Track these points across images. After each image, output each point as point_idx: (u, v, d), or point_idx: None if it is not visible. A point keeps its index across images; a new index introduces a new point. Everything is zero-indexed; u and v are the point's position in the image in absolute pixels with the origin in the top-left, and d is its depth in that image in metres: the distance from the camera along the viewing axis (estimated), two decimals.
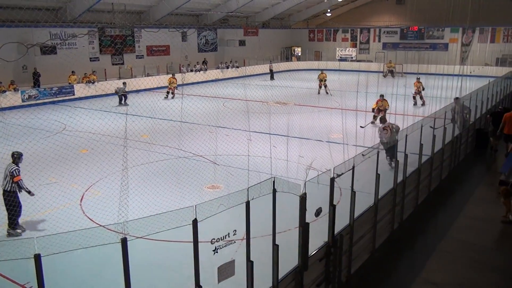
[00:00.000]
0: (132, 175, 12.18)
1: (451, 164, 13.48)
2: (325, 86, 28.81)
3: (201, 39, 39.87)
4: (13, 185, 8.85)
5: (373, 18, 47.96)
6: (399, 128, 12.36)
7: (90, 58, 30.82)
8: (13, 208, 8.85)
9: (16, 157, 9.14)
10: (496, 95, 19.84)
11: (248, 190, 5.21)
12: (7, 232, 8.94)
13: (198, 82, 34.64)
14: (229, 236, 5.08)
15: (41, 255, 3.95)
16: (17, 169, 8.91)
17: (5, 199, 8.87)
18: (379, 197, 8.23)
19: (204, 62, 38.40)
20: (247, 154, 13.60)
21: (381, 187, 8.17)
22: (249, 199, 5.22)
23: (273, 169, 12.01)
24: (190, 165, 13.49)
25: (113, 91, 25.01)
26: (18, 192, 8.97)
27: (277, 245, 5.58)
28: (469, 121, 15.25)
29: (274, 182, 5.51)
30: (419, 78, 25.74)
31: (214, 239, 5.00)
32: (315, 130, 17.37)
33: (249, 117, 19.52)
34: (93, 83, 28.26)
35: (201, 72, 36.33)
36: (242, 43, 42.48)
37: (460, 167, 14.03)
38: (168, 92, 27.18)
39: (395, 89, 23.34)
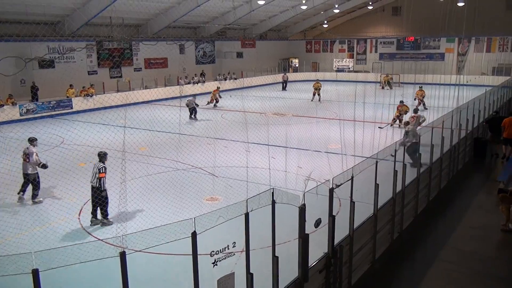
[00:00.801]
0: (131, 188, 12.13)
1: (449, 173, 13.49)
2: (319, 95, 30.60)
3: (198, 51, 40.07)
4: (97, 180, 10.07)
5: (369, 29, 48.32)
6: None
7: (88, 71, 30.93)
8: (104, 201, 10.08)
9: (102, 156, 10.37)
10: (493, 104, 19.93)
11: (247, 202, 5.19)
12: (101, 222, 10.06)
13: (196, 94, 34.65)
14: (228, 249, 5.06)
15: (39, 270, 3.92)
16: (103, 167, 10.13)
17: (94, 194, 10.08)
18: (379, 207, 8.21)
19: (202, 74, 38.54)
20: (246, 166, 13.59)
21: (380, 196, 8.16)
22: (248, 211, 5.20)
23: (272, 180, 12.00)
24: (189, 177, 13.47)
25: (184, 105, 25.15)
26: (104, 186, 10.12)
27: (277, 257, 5.56)
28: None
29: (273, 193, 5.50)
30: (421, 87, 27.13)
31: (213, 251, 4.98)
32: (313, 140, 17.38)
33: (248, 128, 19.54)
34: (91, 96, 28.31)
35: (199, 84, 36.44)
36: (239, 55, 42.69)
37: (458, 176, 14.04)
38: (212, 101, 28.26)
39: (393, 99, 23.44)
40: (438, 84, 30.33)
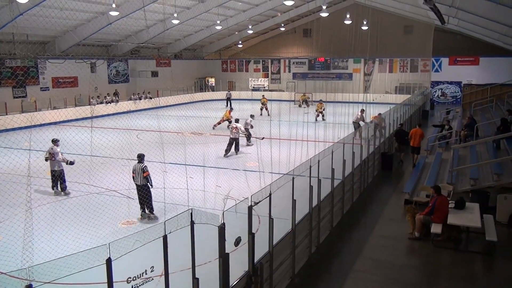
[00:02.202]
0: (38, 216, 11.29)
1: (361, 186, 14.22)
2: (266, 109, 32.97)
3: (111, 70, 38.83)
4: (144, 179, 11.27)
5: (282, 49, 50.09)
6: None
7: None
8: (150, 198, 11.37)
9: (142, 158, 11.61)
10: (396, 120, 21.44)
11: (165, 224, 5.06)
12: (148, 216, 11.27)
13: (109, 114, 33.48)
14: (146, 273, 4.88)
15: None
16: (146, 166, 11.42)
17: (141, 192, 11.30)
18: (296, 222, 8.40)
19: (115, 94, 37.32)
20: (163, 187, 13.27)
21: (297, 212, 8.36)
22: (166, 233, 5.06)
23: (190, 201, 11.80)
24: (102, 201, 12.83)
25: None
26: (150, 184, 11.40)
27: (197, 279, 5.46)
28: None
29: (191, 213, 5.42)
30: (321, 100, 30.91)
31: (130, 277, 4.77)
32: (231, 159, 17.48)
33: (164, 148, 19.16)
34: None
35: (112, 104, 35.22)
36: (154, 74, 41.99)
37: (369, 189, 14.85)
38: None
39: (307, 117, 24.34)
40: (347, 102, 32.08)
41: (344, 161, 11.82)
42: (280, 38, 50.02)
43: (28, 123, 25.16)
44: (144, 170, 11.32)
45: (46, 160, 13.62)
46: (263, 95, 33.96)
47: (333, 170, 10.73)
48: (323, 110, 29.73)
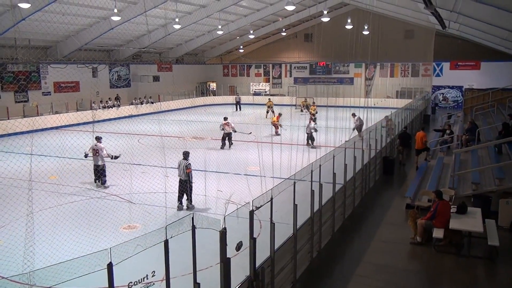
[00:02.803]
0: (39, 220, 11.28)
1: (362, 191, 14.20)
2: (272, 112, 32.79)
3: (112, 74, 38.91)
4: (186, 175, 12.37)
5: (283, 54, 50.17)
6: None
7: None
8: (190, 191, 12.56)
9: (187, 155, 12.65)
10: (398, 124, 21.45)
11: (166, 228, 5.05)
12: (187, 206, 12.57)
13: (110, 119, 33.53)
14: (147, 278, 4.87)
15: None
16: (189, 163, 12.50)
17: (182, 186, 12.53)
18: (298, 227, 8.38)
19: (117, 98, 37.39)
20: (164, 191, 13.27)
21: (299, 216, 8.34)
22: (167, 238, 5.06)
23: None
24: (104, 205, 12.84)
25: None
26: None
27: (199, 283, 5.44)
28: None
29: (193, 218, 5.41)
30: (314, 103, 33.44)
31: (131, 282, 4.76)
32: (232, 163, 17.48)
33: (166, 153, 19.14)
34: None
35: (114, 108, 35.27)
36: (156, 78, 42.04)
37: (371, 193, 14.82)
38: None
39: (307, 121, 24.33)
40: (348, 106, 32.06)
41: (345, 165, 11.81)
42: (281, 42, 50.12)
43: (30, 127, 25.23)
44: (187, 167, 12.28)
45: (86, 156, 14.58)
46: (269, 98, 34.12)
47: (334, 174, 10.72)
48: (316, 112, 31.15)
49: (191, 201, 12.70)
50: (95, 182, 14.90)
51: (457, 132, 21.61)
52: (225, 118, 21.59)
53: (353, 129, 23.56)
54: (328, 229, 10.67)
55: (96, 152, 14.33)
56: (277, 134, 25.85)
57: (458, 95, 41.86)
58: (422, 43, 38.65)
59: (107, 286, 4.54)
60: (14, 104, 29.85)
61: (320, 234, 9.95)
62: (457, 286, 8.62)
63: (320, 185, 9.82)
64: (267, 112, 33.70)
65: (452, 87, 42.20)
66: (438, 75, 42.75)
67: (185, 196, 12.67)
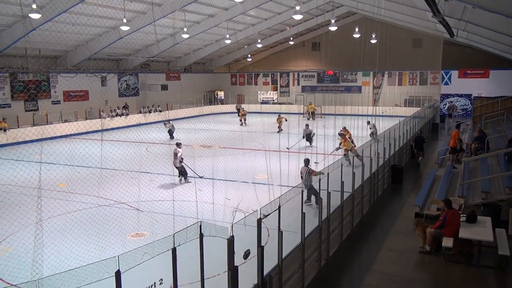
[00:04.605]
0: (48, 228, 11.36)
1: (371, 199, 14.12)
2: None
3: (121, 83, 39.22)
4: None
5: (291, 62, 50.30)
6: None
7: (0, 104, 28.98)
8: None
9: (308, 162, 13.48)
10: (406, 133, 21.36)
11: (174, 236, 5.06)
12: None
13: (119, 127, 33.75)
14: (155, 286, 4.87)
15: None
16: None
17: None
18: (306, 235, 8.35)
19: (125, 107, 37.65)
20: (172, 199, 13.30)
21: (307, 225, 8.31)
22: (175, 246, 5.06)
23: (199, 213, 11.84)
24: (112, 213, 12.89)
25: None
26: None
27: None
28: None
29: (200, 226, 5.42)
30: (311, 103, 36.26)
31: None
32: (240, 171, 17.48)
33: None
34: (4, 131, 26.47)
35: (123, 117, 35.50)
36: (164, 87, 42.31)
37: (379, 202, 14.73)
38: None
39: (315, 129, 24.32)
40: (356, 115, 31.98)
41: (353, 173, 11.76)
42: (289, 51, 50.27)
43: (40, 136, 25.41)
44: (310, 171, 12.80)
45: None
46: (279, 115, 32.51)
47: (342, 183, 10.68)
48: (314, 110, 33.17)
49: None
50: (179, 177, 16.66)
51: (466, 141, 21.51)
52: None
53: (370, 135, 24.86)
54: (336, 237, 10.61)
55: (175, 155, 16.40)
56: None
57: (467, 103, 41.63)
58: (430, 51, 38.58)
59: None
60: (24, 112, 30.17)
61: (328, 243, 9.90)
62: None
63: (328, 193, 9.79)
64: (279, 127, 31.24)
65: (460, 95, 42.00)
66: (446, 83, 42.57)
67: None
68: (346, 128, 23.06)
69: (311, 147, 23.68)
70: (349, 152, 17.68)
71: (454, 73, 42.16)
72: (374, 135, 24.78)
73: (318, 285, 8.82)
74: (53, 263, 8.89)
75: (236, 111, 42.06)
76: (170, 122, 29.37)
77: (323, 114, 40.60)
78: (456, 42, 35.19)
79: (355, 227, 12.04)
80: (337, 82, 47.36)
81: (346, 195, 11.05)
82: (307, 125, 25.17)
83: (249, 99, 49.75)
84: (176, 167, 16.53)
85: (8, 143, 25.66)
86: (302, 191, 8.25)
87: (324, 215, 9.59)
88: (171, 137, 28.61)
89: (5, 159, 21.53)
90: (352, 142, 21.49)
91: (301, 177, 12.94)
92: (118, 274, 4.51)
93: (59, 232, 11.27)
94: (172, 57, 43.07)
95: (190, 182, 16.23)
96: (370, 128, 25.74)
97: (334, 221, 10.30)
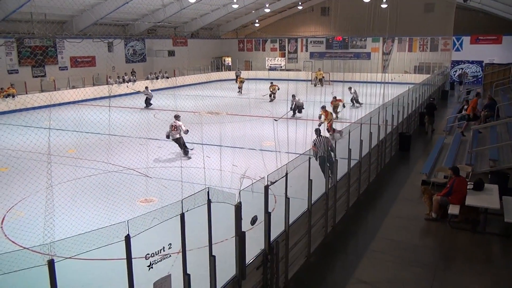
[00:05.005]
0: (58, 193, 11.54)
1: (378, 167, 14.13)
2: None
3: (128, 49, 38.91)
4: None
5: (300, 28, 49.45)
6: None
7: (8, 70, 28.95)
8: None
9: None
10: (415, 100, 21.14)
11: (182, 202, 5.11)
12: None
13: (126, 94, 33.71)
14: (164, 250, 4.96)
15: None
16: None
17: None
18: (312, 202, 8.42)
19: (133, 73, 37.48)
20: (180, 166, 13.40)
21: (314, 192, 8.37)
22: (183, 211, 5.12)
23: (207, 180, 11.93)
24: (121, 179, 13.04)
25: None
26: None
27: (214, 256, 5.53)
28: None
29: (208, 192, 5.46)
30: (319, 69, 35.95)
31: (148, 254, 4.85)
32: (247, 138, 17.50)
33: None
34: (12, 97, 26.56)
35: (130, 83, 35.38)
36: (171, 53, 41.96)
37: (386, 169, 14.75)
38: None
39: (323, 96, 24.13)
40: (365, 82, 31.61)
41: (361, 141, 11.73)
42: (298, 16, 49.33)
43: (48, 102, 25.51)
44: (327, 140, 11.75)
45: (168, 137, 15.73)
46: (271, 82, 31.33)
47: (349, 150, 10.67)
48: (323, 77, 32.99)
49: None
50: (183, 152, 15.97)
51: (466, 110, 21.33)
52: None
53: (351, 100, 26.30)
54: (343, 204, 10.70)
55: (175, 128, 15.63)
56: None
57: (478, 70, 40.95)
58: (442, 16, 37.65)
59: (125, 257, 4.64)
60: (31, 78, 30.16)
61: (335, 210, 9.98)
62: (472, 262, 8.62)
63: (336, 161, 9.81)
64: (270, 95, 30.27)
65: (472, 62, 41.27)
66: (457, 50, 41.80)
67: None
68: (337, 97, 23.03)
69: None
70: (334, 132, 17.36)
71: (466, 39, 41.32)
72: (355, 101, 26.70)
73: (325, 251, 8.96)
74: (64, 227, 9.08)
75: (235, 77, 41.59)
76: (148, 89, 28.55)
77: (331, 81, 40.20)
78: (469, 7, 34.34)
79: (362, 195, 12.11)
80: (346, 48, 46.62)
81: (353, 163, 11.06)
82: (293, 96, 24.00)
83: (256, 65, 49.26)
84: (175, 140, 15.79)
85: (17, 109, 25.79)
86: (310, 158, 8.25)
87: (331, 182, 9.63)
88: (149, 104, 27.65)
89: (14, 125, 21.69)
90: (335, 111, 21.80)
91: (315, 150, 10.77)
92: (127, 239, 4.59)
93: (69, 198, 11.45)
94: (179, 22, 42.48)
95: (191, 157, 15.72)
96: (351, 93, 26.69)
97: (341, 188, 10.35)
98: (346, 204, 10.91)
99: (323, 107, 18.78)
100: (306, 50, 48.78)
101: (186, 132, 15.73)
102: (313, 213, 8.48)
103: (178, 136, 15.75)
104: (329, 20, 46.58)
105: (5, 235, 9.43)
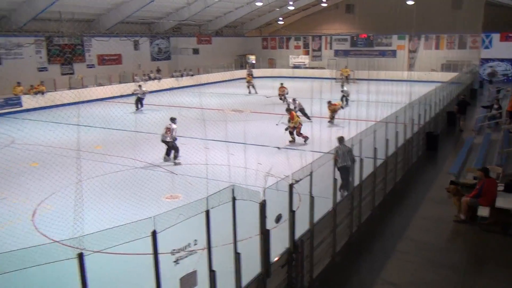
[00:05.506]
0: (87, 188, 11.77)
1: (404, 166, 13.91)
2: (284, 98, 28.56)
3: (153, 47, 39.36)
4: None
5: (324, 26, 49.07)
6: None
7: (38, 68, 29.67)
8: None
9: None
10: (443, 99, 20.73)
11: (207, 199, 5.14)
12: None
13: (152, 91, 34.09)
14: (189, 246, 4.99)
15: None
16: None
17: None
18: (337, 201, 8.35)
19: (158, 71, 37.90)
20: (205, 163, 13.49)
21: (338, 191, 8.29)
22: (208, 208, 5.15)
23: (231, 177, 11.97)
24: (147, 175, 13.21)
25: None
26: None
27: (239, 253, 5.53)
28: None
29: (233, 190, 5.47)
30: (346, 66, 34.92)
31: (174, 249, 4.89)
32: (272, 136, 17.49)
33: (206, 125, 19.38)
34: (42, 94, 27.21)
35: (155, 81, 35.80)
36: (196, 51, 42.27)
37: (413, 169, 14.51)
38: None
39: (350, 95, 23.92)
40: (390, 80, 31.22)
41: (387, 140, 11.57)
42: (322, 14, 48.95)
43: (76, 99, 26.03)
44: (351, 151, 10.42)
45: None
46: (281, 84, 29.39)
47: (375, 149, 10.53)
48: (349, 75, 31.89)
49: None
50: (166, 156, 14.99)
51: (507, 107, 20.73)
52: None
53: (341, 98, 24.96)
54: (369, 204, 10.57)
55: (168, 130, 14.77)
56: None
57: (508, 69, 39.86)
58: (471, 13, 36.74)
59: (151, 252, 4.69)
60: (60, 76, 30.85)
61: (360, 209, 9.88)
62: (502, 265, 8.39)
63: (361, 160, 9.70)
64: (280, 98, 28.13)
65: (502, 60, 40.19)
66: (487, 48, 40.74)
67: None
68: (332, 101, 21.41)
69: (311, 121, 21.00)
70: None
71: (496, 36, 40.24)
72: (345, 98, 25.66)
73: (350, 251, 8.87)
74: (92, 221, 9.25)
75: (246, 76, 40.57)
76: (142, 88, 26.75)
77: (356, 79, 39.75)
78: (499, 3, 33.44)
79: (388, 195, 11.94)
80: (371, 46, 46.02)
81: (379, 162, 10.91)
82: (294, 100, 22.34)
83: (280, 63, 49.12)
84: (165, 142, 14.84)
85: (47, 106, 26.39)
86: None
87: (356, 182, 9.53)
88: (141, 104, 26.05)
89: (44, 121, 22.21)
90: (305, 115, 20.20)
91: (336, 159, 9.81)
92: (154, 234, 4.64)
93: (97, 193, 11.66)
94: (203, 20, 42.73)
95: (181, 163, 14.58)
96: (342, 91, 25.90)
97: (366, 187, 10.23)
98: (371, 204, 10.78)
99: (288, 110, 17.96)
100: (330, 48, 48.37)
101: (174, 139, 14.71)
102: (338, 213, 8.41)
103: (168, 139, 14.81)
104: (354, 17, 46.06)
105: (36, 228, 9.66)
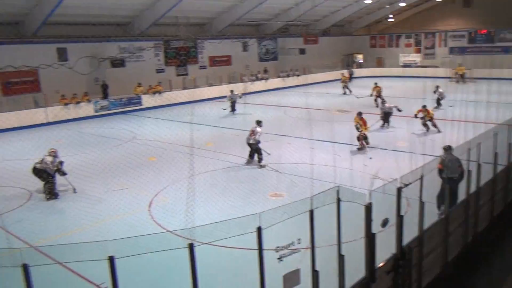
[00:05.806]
0: (198, 182, 12.47)
1: None
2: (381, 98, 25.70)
3: (261, 48, 40.28)
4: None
5: (438, 22, 46.12)
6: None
7: (156, 69, 32.07)
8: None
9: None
10: None
11: (311, 199, 5.16)
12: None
13: (259, 91, 34.96)
14: (293, 245, 5.05)
15: (114, 257, 4.13)
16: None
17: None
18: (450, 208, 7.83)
19: (265, 71, 38.75)
20: (310, 163, 13.50)
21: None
22: (313, 208, 5.16)
23: (336, 178, 11.83)
24: (253, 173, 13.61)
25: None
26: None
27: (343, 255, 5.48)
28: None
29: (338, 191, 5.42)
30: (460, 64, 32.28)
31: (278, 247, 4.98)
32: (379, 138, 16.93)
33: (311, 125, 19.38)
34: (160, 93, 29.39)
35: (263, 81, 36.65)
36: (302, 51, 42.38)
37: None
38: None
39: (465, 95, 22.28)
40: None
41: (509, 144, 10.57)
42: (436, 9, 46.00)
43: (190, 98, 27.70)
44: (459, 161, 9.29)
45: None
46: (375, 83, 26.78)
47: (496, 154, 9.68)
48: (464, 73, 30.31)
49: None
50: (249, 158, 14.90)
51: None
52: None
53: (436, 101, 23.53)
54: (486, 213, 9.74)
55: (252, 133, 14.79)
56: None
57: None
58: None
59: (256, 248, 4.84)
60: (175, 77, 33.01)
61: (477, 218, 9.14)
62: None
63: (479, 165, 8.98)
64: (375, 100, 25.65)
65: None
66: None
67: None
68: (426, 107, 18.41)
69: (387, 127, 19.41)
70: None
71: None
72: (440, 101, 23.66)
73: (463, 262, 8.26)
74: (202, 214, 9.78)
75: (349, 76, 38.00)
76: (236, 92, 25.84)
77: (474, 78, 36.77)
78: None
79: (509, 204, 10.89)
80: (492, 42, 42.13)
81: (500, 168, 10.01)
82: (383, 102, 20.69)
83: (389, 62, 47.21)
84: (249, 145, 14.70)
85: (164, 105, 28.44)
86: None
87: (473, 188, 8.85)
88: (233, 109, 25.34)
89: (161, 119, 23.96)
90: (364, 125, 15.91)
91: (440, 168, 8.91)
92: (259, 230, 4.78)
93: (207, 187, 12.30)
94: (310, 20, 42.65)
95: (265, 166, 14.22)
96: (435, 93, 23.88)
97: (484, 195, 9.44)
98: (489, 213, 9.92)
99: (359, 114, 16.35)
100: (445, 45, 45.26)
101: (257, 142, 14.51)
102: (450, 220, 7.89)
103: (252, 141, 14.67)
104: (472, 12, 42.58)
105: (152, 218, 10.48)
